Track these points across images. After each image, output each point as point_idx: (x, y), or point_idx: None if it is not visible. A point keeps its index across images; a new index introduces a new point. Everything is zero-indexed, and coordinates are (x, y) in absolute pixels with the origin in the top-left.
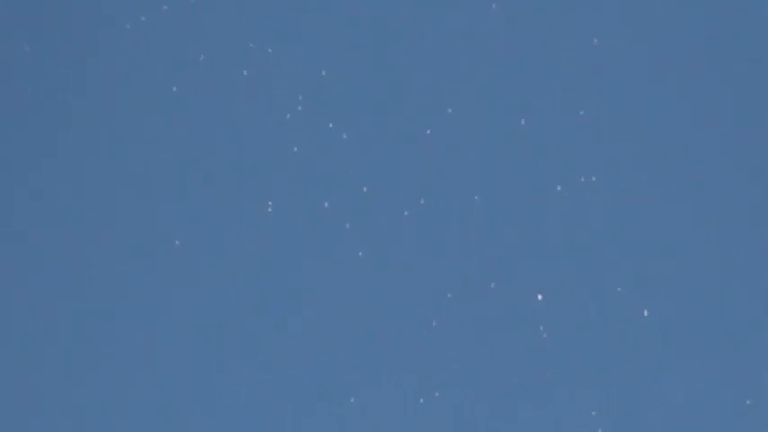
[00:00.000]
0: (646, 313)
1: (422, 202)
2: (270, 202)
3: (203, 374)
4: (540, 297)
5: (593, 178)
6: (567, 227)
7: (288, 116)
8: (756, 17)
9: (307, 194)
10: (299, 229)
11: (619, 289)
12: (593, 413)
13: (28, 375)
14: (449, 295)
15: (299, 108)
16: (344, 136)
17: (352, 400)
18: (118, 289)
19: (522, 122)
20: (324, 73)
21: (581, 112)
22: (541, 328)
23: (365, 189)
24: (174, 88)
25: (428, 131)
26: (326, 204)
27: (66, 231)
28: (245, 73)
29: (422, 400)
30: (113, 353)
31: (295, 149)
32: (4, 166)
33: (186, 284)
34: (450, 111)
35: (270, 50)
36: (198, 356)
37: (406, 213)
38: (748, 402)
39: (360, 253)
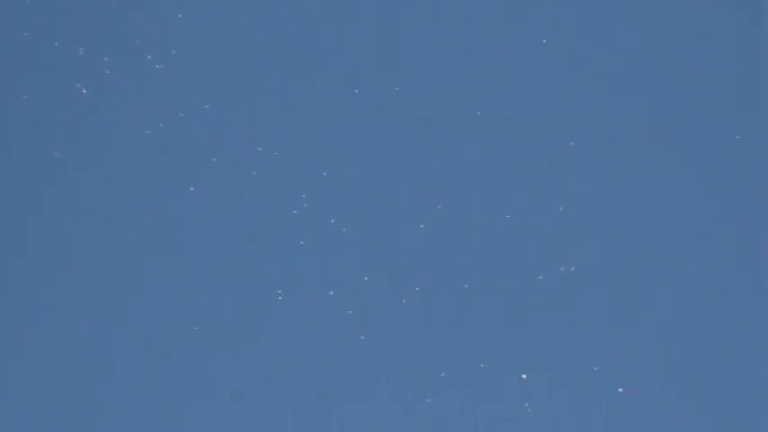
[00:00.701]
0: (620, 390)
1: (417, 289)
2: (279, 291)
3: (203, 376)
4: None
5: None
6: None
7: (294, 212)
8: (755, 17)
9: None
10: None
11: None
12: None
13: (28, 375)
14: (442, 374)
15: (305, 205)
16: (344, 230)
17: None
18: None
19: (508, 217)
20: (325, 174)
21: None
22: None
23: (366, 278)
24: (192, 188)
25: (421, 226)
26: (331, 293)
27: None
28: (254, 173)
29: None
30: (114, 353)
31: (301, 242)
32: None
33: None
34: (439, 207)
35: (276, 154)
36: (198, 368)
37: (403, 300)
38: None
39: (362, 337)
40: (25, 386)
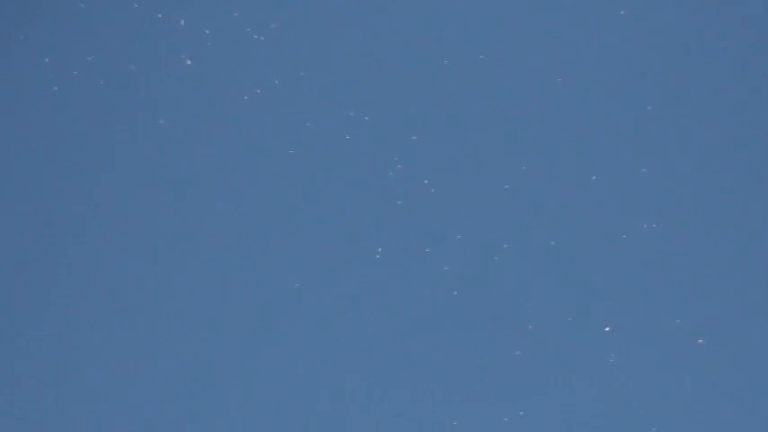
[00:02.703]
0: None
1: (505, 246)
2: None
3: (203, 379)
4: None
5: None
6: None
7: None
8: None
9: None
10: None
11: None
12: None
13: (29, 375)
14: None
15: (399, 166)
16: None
17: None
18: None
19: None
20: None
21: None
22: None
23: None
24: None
25: (506, 186)
26: (428, 250)
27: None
28: (347, 137)
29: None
30: (113, 354)
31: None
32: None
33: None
34: (524, 168)
35: (367, 118)
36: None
37: (495, 258)
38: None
39: (455, 292)
40: (25, 386)
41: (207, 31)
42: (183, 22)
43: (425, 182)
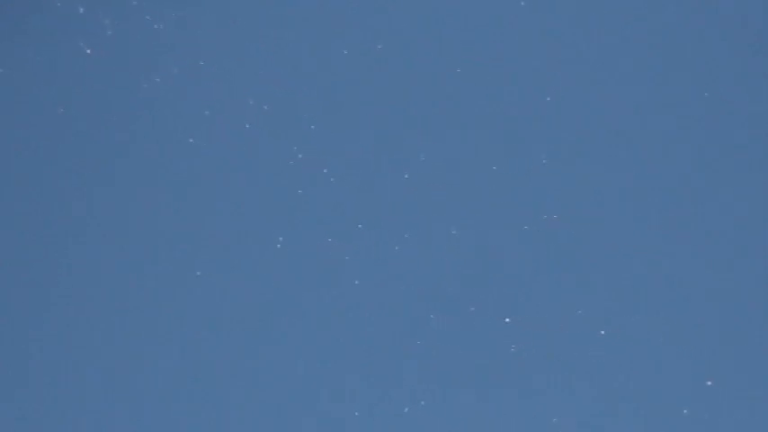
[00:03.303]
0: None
1: (406, 236)
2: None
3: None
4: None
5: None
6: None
7: (291, 163)
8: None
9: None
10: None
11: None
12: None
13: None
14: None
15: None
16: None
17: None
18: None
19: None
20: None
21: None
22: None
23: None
24: (191, 140)
25: (405, 176)
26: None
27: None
28: (247, 126)
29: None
30: (111, 354)
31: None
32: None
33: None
34: (422, 158)
35: (266, 107)
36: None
37: (396, 248)
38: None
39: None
40: (27, 386)
41: (106, 21)
42: (81, 9)
43: (324, 171)
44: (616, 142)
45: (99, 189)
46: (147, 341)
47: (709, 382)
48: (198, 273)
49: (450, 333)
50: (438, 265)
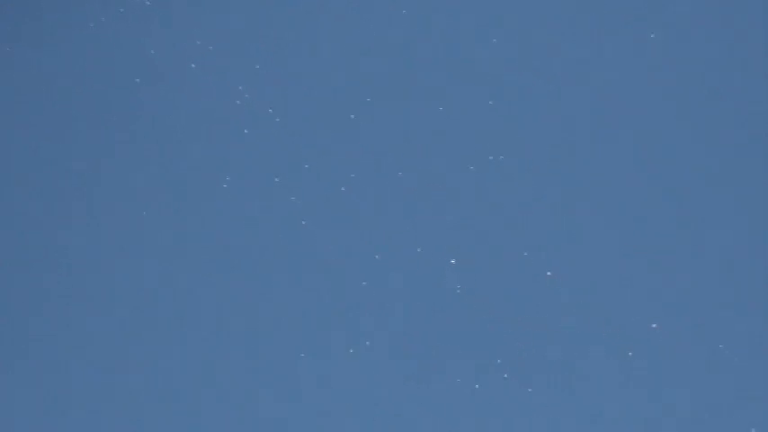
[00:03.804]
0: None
1: (353, 175)
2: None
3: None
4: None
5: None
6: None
7: (237, 102)
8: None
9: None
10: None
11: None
12: None
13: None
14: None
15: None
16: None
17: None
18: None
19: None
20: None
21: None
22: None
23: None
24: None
25: (352, 116)
26: (276, 179)
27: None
28: (193, 66)
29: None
30: (109, 354)
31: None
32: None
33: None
34: (368, 100)
35: (211, 48)
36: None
37: (342, 189)
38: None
39: (303, 222)
40: (27, 386)
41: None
42: None
43: (269, 110)
44: (606, 138)
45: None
46: (140, 340)
47: (654, 325)
48: (144, 212)
49: (395, 272)
50: (385, 204)
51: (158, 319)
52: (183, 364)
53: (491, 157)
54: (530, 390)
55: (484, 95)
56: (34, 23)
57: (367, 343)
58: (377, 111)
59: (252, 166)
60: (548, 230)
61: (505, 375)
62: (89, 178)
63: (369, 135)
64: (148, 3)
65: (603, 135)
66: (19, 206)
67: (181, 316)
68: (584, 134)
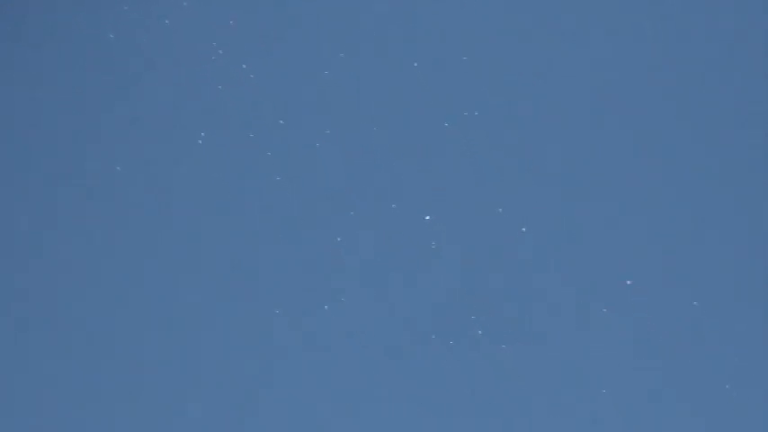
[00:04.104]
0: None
1: (327, 132)
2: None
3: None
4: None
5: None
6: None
7: (213, 58)
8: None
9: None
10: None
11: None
12: None
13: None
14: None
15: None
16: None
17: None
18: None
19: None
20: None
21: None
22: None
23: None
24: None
25: (326, 72)
26: (251, 135)
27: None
28: (167, 22)
29: None
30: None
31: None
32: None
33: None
34: (342, 55)
35: (185, 4)
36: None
37: (317, 144)
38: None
39: (277, 178)
40: (28, 385)
41: None
42: None
43: (243, 66)
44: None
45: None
46: (137, 340)
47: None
48: (118, 167)
49: (367, 228)
50: (358, 159)
51: (133, 268)
52: (163, 317)
53: (466, 113)
54: (504, 346)
55: (458, 51)
56: None
57: (342, 299)
58: (351, 66)
59: (227, 122)
60: (522, 186)
61: (480, 332)
62: (61, 134)
63: (343, 91)
64: None
65: (575, 87)
66: None
67: (157, 269)
68: (559, 87)
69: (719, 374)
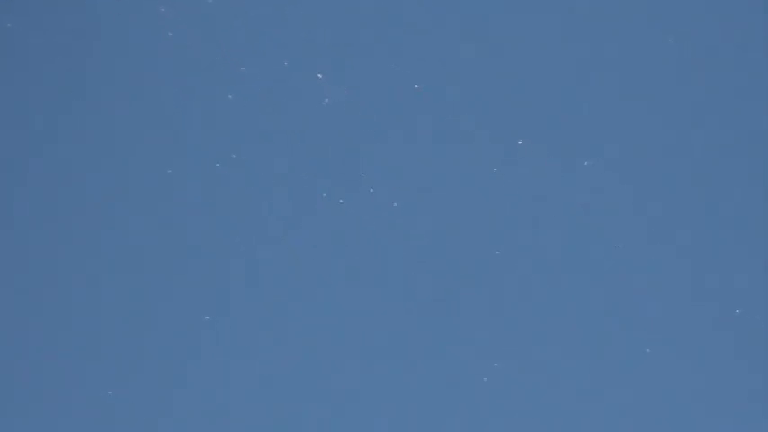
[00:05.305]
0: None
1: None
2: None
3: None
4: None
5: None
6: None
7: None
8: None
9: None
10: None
11: None
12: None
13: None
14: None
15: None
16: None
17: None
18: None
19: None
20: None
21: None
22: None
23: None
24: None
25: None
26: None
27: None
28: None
29: None
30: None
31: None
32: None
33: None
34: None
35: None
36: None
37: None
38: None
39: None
40: (27, 385)
41: None
42: None
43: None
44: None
45: None
46: (134, 340)
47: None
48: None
49: (348, 215)
50: (334, 141)
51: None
52: (161, 316)
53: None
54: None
55: (425, 19)
56: None
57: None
58: (325, 37)
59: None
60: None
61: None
62: (61, 134)
63: (318, 65)
64: None
65: (574, 87)
66: None
67: (154, 268)
68: (557, 87)
69: (720, 375)
